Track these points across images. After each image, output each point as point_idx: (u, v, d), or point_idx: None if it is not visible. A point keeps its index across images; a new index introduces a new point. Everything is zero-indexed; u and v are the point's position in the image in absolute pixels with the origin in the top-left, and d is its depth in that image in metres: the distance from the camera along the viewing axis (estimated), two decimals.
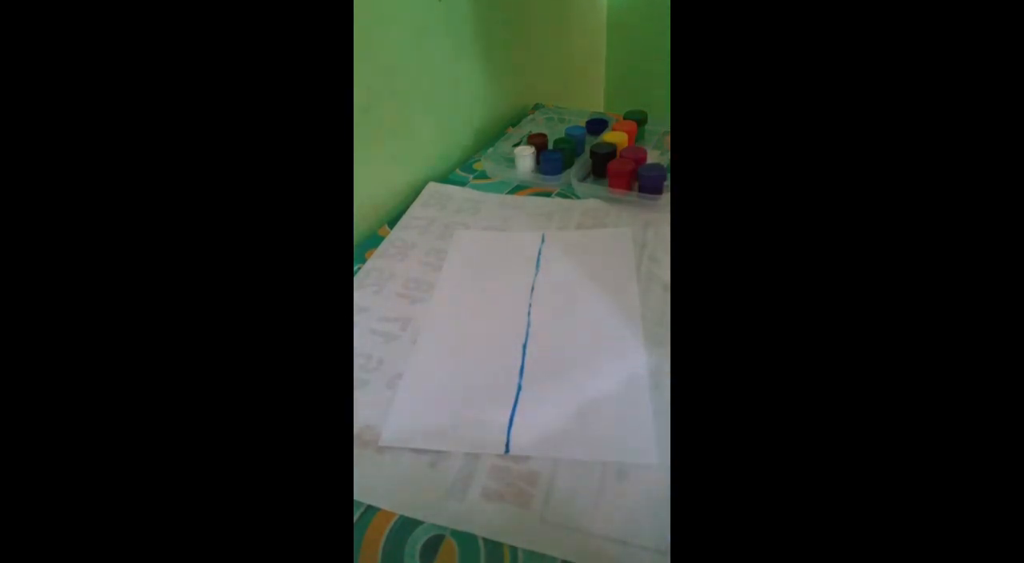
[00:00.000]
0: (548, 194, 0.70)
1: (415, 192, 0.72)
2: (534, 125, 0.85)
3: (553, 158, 0.71)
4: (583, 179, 0.71)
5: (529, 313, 0.52)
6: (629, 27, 1.34)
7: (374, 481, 0.38)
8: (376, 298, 0.54)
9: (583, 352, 0.47)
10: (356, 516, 0.36)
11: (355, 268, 0.59)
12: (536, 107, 0.97)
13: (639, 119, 0.81)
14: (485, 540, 0.35)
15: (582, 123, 0.83)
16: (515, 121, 0.92)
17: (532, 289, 0.54)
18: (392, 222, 0.66)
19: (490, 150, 0.80)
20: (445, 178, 0.76)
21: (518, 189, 0.72)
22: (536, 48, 1.02)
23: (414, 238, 0.63)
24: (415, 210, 0.68)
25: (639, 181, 0.66)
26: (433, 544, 0.34)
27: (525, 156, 0.72)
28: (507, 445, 0.40)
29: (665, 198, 0.64)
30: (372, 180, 0.67)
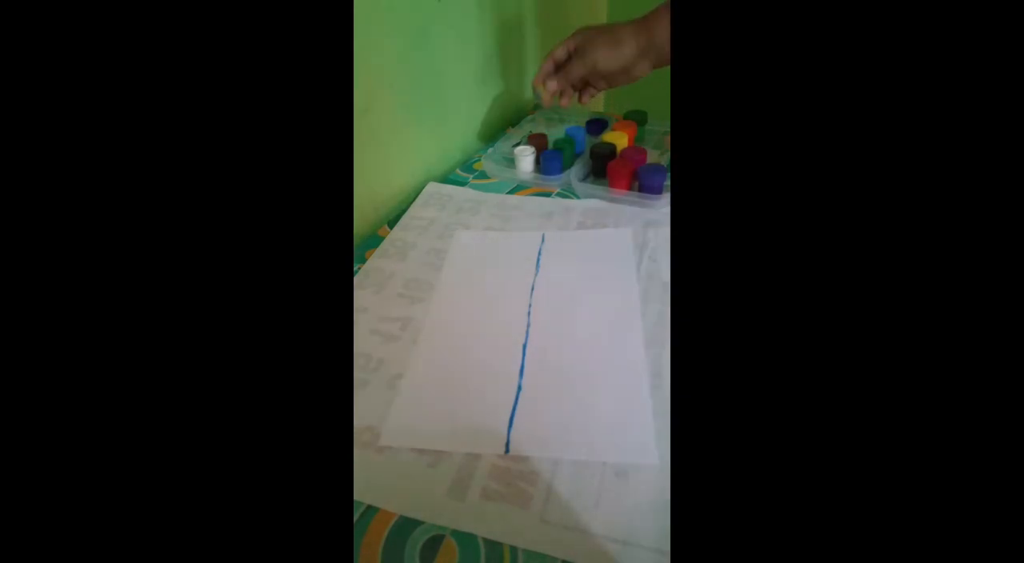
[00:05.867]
0: (548, 194, 0.70)
1: (415, 192, 0.72)
2: (534, 125, 0.85)
3: (553, 158, 0.71)
4: (583, 179, 0.71)
5: (529, 313, 0.52)
6: None
7: (374, 481, 0.38)
8: (376, 298, 0.54)
9: (583, 352, 0.47)
10: (356, 516, 0.36)
11: (355, 268, 0.59)
12: (536, 107, 0.96)
13: (639, 119, 0.81)
14: (485, 540, 0.34)
15: (582, 123, 0.83)
16: (515, 121, 0.92)
17: (532, 289, 0.54)
18: (392, 222, 0.66)
19: (490, 150, 0.80)
20: (445, 178, 0.76)
21: (518, 189, 0.72)
22: (536, 48, 1.02)
23: (414, 238, 0.63)
24: (415, 210, 0.68)
25: (639, 181, 0.66)
26: (433, 544, 0.34)
27: (525, 156, 0.72)
28: (507, 445, 0.40)
29: (665, 198, 0.64)
30: (372, 180, 0.67)
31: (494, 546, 0.34)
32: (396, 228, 0.65)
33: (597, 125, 0.82)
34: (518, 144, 0.75)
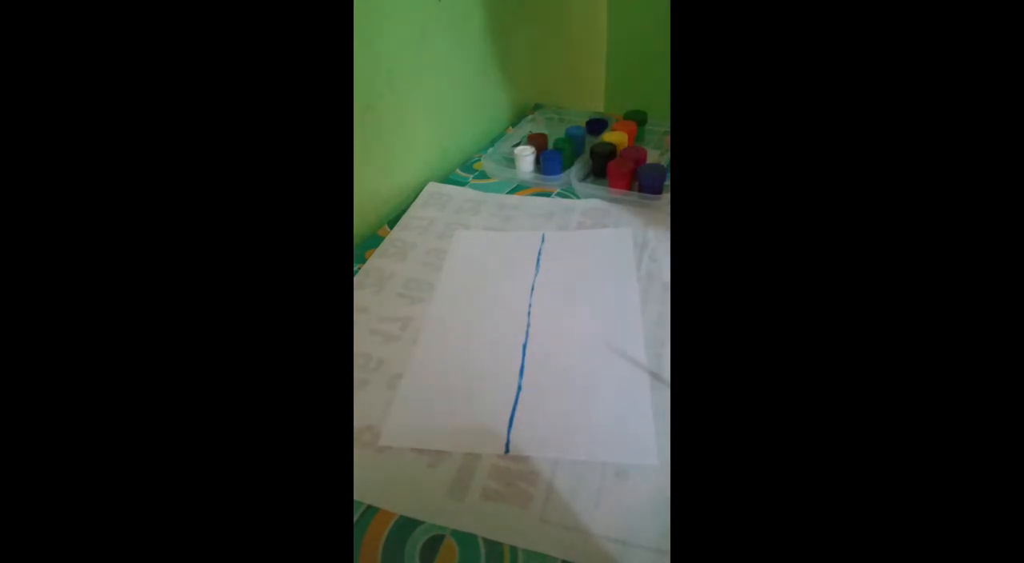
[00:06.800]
0: (548, 194, 0.70)
1: (415, 192, 0.72)
2: (534, 125, 0.85)
3: (553, 158, 0.71)
4: (583, 179, 0.71)
5: (529, 313, 0.52)
6: (629, 27, 1.34)
7: (374, 481, 0.38)
8: (376, 298, 0.54)
9: (583, 352, 0.47)
10: (356, 516, 0.36)
11: (355, 268, 0.59)
12: (536, 107, 0.97)
13: (639, 119, 0.81)
14: (485, 540, 0.35)
15: (582, 123, 0.83)
16: (515, 121, 0.92)
17: (532, 289, 0.54)
18: (392, 222, 0.66)
19: (490, 150, 0.80)
20: (445, 178, 0.76)
21: (518, 189, 0.72)
22: (536, 48, 1.02)
23: (414, 238, 0.63)
24: (415, 210, 0.68)
25: (639, 181, 0.66)
26: (433, 544, 0.34)
27: (525, 156, 0.72)
28: (507, 445, 0.40)
29: (665, 198, 0.64)
30: (372, 180, 0.67)
31: (494, 546, 0.34)
32: (396, 228, 0.65)
33: (597, 125, 0.82)
34: (518, 144, 0.75)
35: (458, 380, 0.45)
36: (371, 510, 0.36)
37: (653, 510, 0.35)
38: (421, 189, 0.72)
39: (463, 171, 0.77)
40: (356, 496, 0.37)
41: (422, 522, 0.36)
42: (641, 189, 0.66)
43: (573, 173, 0.70)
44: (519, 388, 0.44)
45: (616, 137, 0.73)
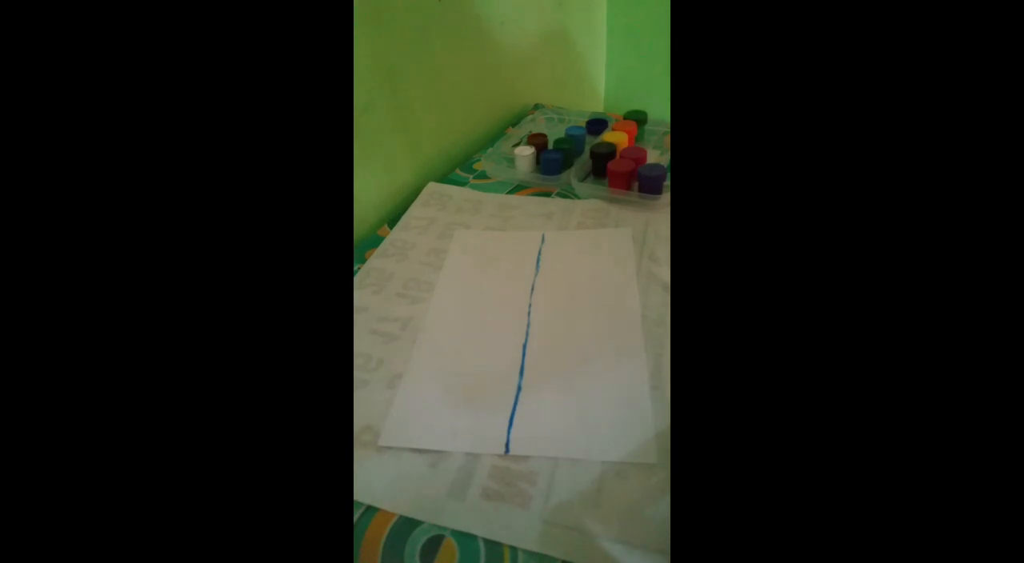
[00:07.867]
0: (548, 194, 0.70)
1: (415, 192, 0.72)
2: (534, 125, 0.85)
3: (553, 158, 0.71)
4: (583, 179, 0.71)
5: (529, 313, 0.52)
6: (629, 27, 1.34)
7: (374, 481, 0.38)
8: (376, 298, 0.54)
9: (583, 352, 0.47)
10: (356, 516, 0.36)
11: (355, 268, 0.59)
12: (536, 107, 0.97)
13: (639, 119, 0.81)
14: (485, 540, 0.35)
15: (582, 123, 0.83)
16: (515, 121, 0.92)
17: (532, 289, 0.54)
18: (392, 222, 0.66)
19: (490, 150, 0.80)
20: (445, 178, 0.76)
21: (518, 189, 0.72)
22: (536, 48, 1.02)
23: (414, 238, 0.63)
24: (415, 210, 0.68)
25: (639, 181, 0.66)
26: (433, 544, 0.34)
27: (525, 156, 0.72)
28: (507, 445, 0.40)
29: (665, 198, 0.64)
30: (372, 180, 0.67)
31: (494, 546, 0.34)
32: (396, 228, 0.65)
33: (597, 125, 0.82)
34: (518, 144, 0.75)
35: (458, 380, 0.45)
36: (371, 510, 0.36)
37: (653, 510, 0.35)
38: (421, 189, 0.72)
39: (463, 171, 0.77)
40: (356, 496, 0.37)
41: (422, 522, 0.36)
42: (641, 189, 0.66)
43: (573, 173, 0.70)
44: (519, 388, 0.44)
45: (616, 137, 0.73)
